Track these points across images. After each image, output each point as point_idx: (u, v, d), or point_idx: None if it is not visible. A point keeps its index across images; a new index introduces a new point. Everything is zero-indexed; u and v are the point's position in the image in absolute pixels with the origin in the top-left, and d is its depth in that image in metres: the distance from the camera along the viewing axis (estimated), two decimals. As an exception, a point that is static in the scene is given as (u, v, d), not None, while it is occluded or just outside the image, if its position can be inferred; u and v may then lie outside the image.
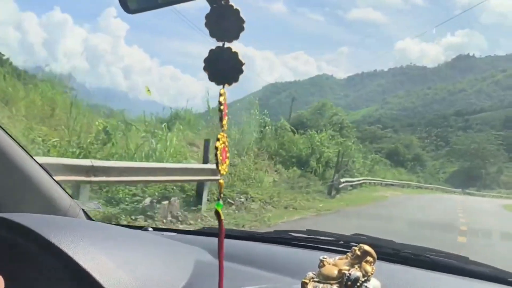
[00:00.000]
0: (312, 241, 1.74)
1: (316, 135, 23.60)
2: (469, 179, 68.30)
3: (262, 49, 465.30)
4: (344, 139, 28.16)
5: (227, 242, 1.85)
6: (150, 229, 1.84)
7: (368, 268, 0.97)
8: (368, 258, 0.98)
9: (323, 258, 1.00)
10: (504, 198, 61.81)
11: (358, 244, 1.01)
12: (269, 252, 1.63)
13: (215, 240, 1.64)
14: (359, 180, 26.04)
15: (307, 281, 0.97)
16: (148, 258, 1.20)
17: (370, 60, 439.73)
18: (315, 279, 0.97)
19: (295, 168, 19.95)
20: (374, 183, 31.00)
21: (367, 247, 1.00)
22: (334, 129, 32.79)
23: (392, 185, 35.56)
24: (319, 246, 1.65)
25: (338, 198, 18.45)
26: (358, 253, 0.99)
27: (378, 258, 1.27)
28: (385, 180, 35.50)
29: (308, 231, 1.88)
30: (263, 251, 1.63)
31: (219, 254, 0.86)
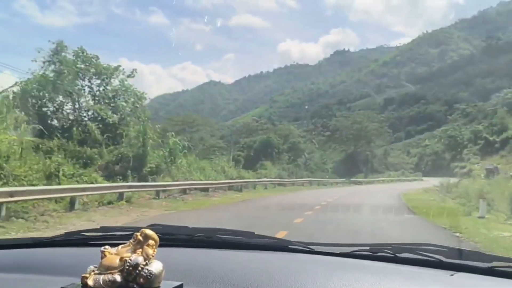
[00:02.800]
0: (107, 238, 1.65)
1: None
2: (356, 165, 59.67)
3: (149, 63, 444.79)
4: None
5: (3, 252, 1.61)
6: None
7: (150, 251, 0.95)
8: (150, 241, 0.96)
9: (104, 249, 0.97)
10: (397, 181, 54.01)
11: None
12: (55, 256, 1.54)
13: None
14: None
15: (87, 275, 0.93)
16: None
17: (255, 64, 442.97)
18: (96, 272, 0.93)
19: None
20: (159, 191, 17.28)
21: (148, 231, 0.98)
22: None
23: (205, 190, 21.05)
24: (114, 242, 1.46)
25: None
26: (140, 238, 0.96)
27: (175, 245, 1.55)
28: (182, 183, 19.81)
29: (102, 228, 1.82)
30: (48, 256, 1.53)
31: None
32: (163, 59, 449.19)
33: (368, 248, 1.61)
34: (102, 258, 0.94)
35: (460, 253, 1.58)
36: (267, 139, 49.46)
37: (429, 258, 1.50)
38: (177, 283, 0.97)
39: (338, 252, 1.61)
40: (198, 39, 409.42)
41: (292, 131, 60.58)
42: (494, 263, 1.47)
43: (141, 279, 0.89)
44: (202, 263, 1.36)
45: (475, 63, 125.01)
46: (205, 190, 21.11)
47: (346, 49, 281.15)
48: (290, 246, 1.65)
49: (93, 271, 0.92)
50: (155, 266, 0.92)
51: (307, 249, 1.62)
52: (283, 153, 49.86)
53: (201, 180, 22.39)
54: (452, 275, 1.41)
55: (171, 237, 1.64)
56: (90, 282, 0.89)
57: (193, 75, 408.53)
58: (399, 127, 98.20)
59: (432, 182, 49.68)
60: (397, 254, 1.55)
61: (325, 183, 40.42)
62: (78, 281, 0.94)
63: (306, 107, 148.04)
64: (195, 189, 20.57)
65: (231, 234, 1.73)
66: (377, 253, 1.58)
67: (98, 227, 1.85)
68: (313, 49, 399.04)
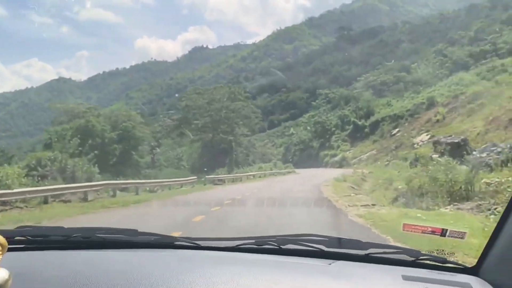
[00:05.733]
0: None
1: None
2: (216, 157, 44.92)
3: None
4: None
5: None
6: None
7: None
8: None
9: None
10: (271, 176, 40.77)
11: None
12: None
13: None
14: None
15: None
16: None
17: (111, 61, 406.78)
18: None
19: None
20: None
21: None
22: None
23: None
24: None
25: None
26: None
27: (49, 248, 1.36)
28: None
29: None
30: None
31: None
32: (4, 55, 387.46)
33: (253, 241, 1.56)
34: None
35: (339, 242, 1.55)
36: (85, 125, 31.48)
37: (311, 248, 1.49)
38: None
39: (224, 247, 1.54)
40: (46, 35, 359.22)
41: (132, 116, 42.89)
42: (370, 250, 1.49)
43: None
44: (76, 266, 1.20)
45: (330, 54, 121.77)
46: None
47: (205, 45, 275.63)
48: (175, 243, 1.56)
49: None
50: None
51: (193, 245, 1.55)
52: (112, 145, 32.53)
53: None
54: (330, 264, 1.41)
55: (45, 240, 1.42)
56: None
57: (41, 72, 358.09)
58: (261, 117, 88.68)
59: (317, 173, 38.12)
60: (281, 246, 1.51)
61: (156, 187, 22.76)
62: None
63: (164, 101, 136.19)
64: None
65: (112, 233, 1.56)
66: (262, 246, 1.53)
67: None
68: (172, 46, 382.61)
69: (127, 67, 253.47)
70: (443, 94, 54.44)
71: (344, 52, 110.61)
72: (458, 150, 15.07)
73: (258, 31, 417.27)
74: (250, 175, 34.82)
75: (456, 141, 16.16)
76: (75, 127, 32.05)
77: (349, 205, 10.04)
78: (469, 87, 50.30)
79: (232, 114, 47.94)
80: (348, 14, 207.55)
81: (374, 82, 73.43)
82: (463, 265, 1.53)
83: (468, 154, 14.19)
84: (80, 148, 26.20)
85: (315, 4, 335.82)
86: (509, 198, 1.56)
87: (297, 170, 48.24)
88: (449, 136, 18.02)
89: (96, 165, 21.21)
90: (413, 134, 48.57)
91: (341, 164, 54.83)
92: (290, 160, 64.64)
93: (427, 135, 44.15)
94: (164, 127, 55.03)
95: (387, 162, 41.53)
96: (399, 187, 12.46)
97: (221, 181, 28.38)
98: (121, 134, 34.02)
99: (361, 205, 9.90)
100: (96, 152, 27.08)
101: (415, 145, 42.72)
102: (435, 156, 15.63)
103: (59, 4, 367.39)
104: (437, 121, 47.32)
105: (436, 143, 18.34)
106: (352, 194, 13.22)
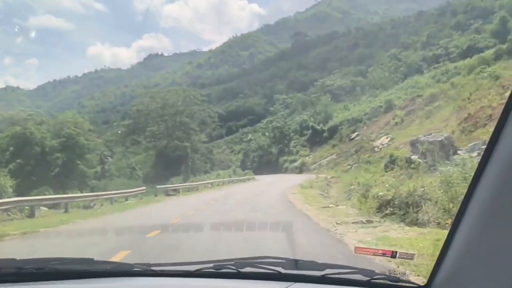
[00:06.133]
0: None
1: None
2: (172, 166, 42.10)
3: None
4: None
5: None
6: None
7: None
8: None
9: None
10: (230, 183, 38.49)
11: None
12: None
13: None
14: None
15: None
16: None
17: (62, 68, 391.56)
18: None
19: None
20: None
21: None
22: None
23: None
24: None
25: None
26: None
27: (1, 281, 1.35)
28: None
29: None
30: None
31: None
32: None
33: (211, 265, 1.53)
34: None
35: (296, 264, 1.54)
36: (21, 133, 27.90)
37: (269, 271, 1.48)
38: None
39: (183, 272, 1.51)
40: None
41: (80, 124, 39.18)
42: (327, 271, 1.48)
43: None
44: None
45: (286, 60, 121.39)
46: None
47: (160, 53, 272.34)
48: (133, 270, 1.50)
49: None
50: None
51: (151, 272, 1.50)
52: (54, 154, 29.12)
53: None
54: None
55: None
56: None
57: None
58: (219, 123, 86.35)
59: (278, 179, 36.23)
60: (239, 270, 1.49)
61: (93, 202, 18.99)
62: None
63: (118, 109, 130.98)
64: None
65: (67, 263, 1.50)
66: (220, 270, 1.51)
67: None
68: (126, 54, 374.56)
69: (79, 75, 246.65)
70: (400, 97, 54.24)
71: (300, 58, 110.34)
72: (442, 149, 13.39)
73: (214, 39, 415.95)
74: (207, 183, 32.41)
75: (439, 139, 14.40)
76: (11, 134, 28.39)
77: (336, 223, 7.79)
78: (425, 89, 50.22)
79: (188, 119, 44.95)
80: (302, 21, 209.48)
81: (331, 87, 72.95)
82: (416, 284, 1.51)
83: (453, 154, 12.59)
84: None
85: (270, 12, 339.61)
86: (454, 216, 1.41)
87: (257, 177, 46.36)
88: (429, 134, 16.42)
89: (11, 177, 17.79)
90: (372, 137, 47.80)
91: (301, 170, 53.46)
92: (249, 166, 62.71)
93: (386, 137, 43.41)
94: (116, 135, 51.42)
95: (349, 166, 40.33)
96: (380, 193, 10.64)
97: (175, 191, 25.76)
98: (63, 142, 30.26)
99: (353, 222, 7.69)
100: (19, 161, 23.73)
101: (376, 148, 41.82)
102: (414, 157, 13.90)
103: (6, 10, 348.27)
104: (396, 123, 46.76)
105: (415, 143, 16.55)
106: (330, 205, 11.10)
